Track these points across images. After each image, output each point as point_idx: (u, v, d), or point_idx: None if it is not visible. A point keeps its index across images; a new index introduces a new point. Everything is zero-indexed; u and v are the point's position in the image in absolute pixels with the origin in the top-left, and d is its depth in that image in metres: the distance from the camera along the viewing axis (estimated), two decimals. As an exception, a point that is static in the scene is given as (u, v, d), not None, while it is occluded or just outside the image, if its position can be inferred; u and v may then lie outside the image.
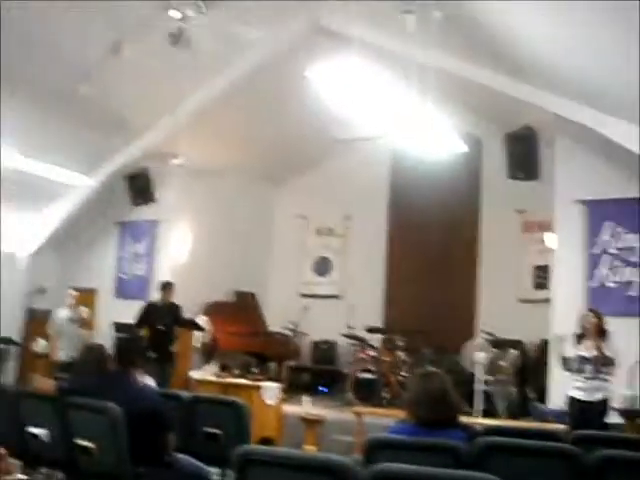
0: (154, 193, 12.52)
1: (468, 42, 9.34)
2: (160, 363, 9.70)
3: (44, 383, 5.18)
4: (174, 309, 10.66)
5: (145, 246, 13.66)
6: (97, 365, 5.20)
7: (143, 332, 10.17)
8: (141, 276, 13.60)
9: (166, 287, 10.73)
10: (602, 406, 7.46)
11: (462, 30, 9.09)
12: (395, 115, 8.50)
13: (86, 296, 13.76)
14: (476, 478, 3.02)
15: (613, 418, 7.50)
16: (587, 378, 7.57)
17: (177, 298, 10.94)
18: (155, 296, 11.21)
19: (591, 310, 8.01)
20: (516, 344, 11.71)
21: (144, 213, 13.12)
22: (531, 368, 11.40)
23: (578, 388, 7.62)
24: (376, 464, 3.30)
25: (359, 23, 8.29)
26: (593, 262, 9.90)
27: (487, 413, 10.02)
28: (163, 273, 13.26)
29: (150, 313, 10.48)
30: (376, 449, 3.96)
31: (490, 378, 10.89)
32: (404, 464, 3.21)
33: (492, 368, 11.12)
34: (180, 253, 13.56)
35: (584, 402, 7.52)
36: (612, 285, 9.75)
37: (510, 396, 11.02)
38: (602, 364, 7.47)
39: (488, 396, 10.59)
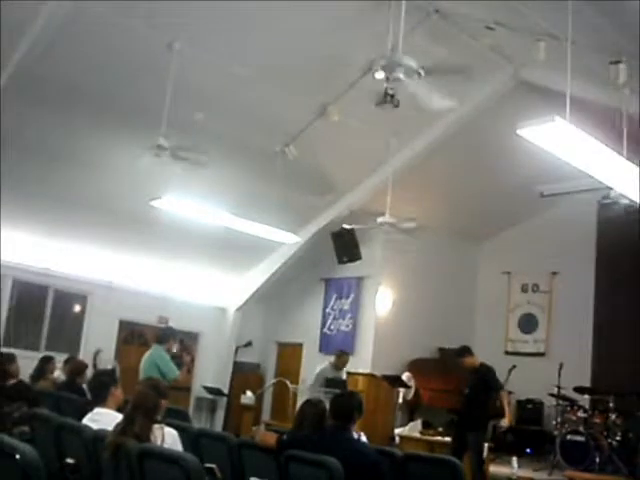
0: (359, 250, 12.71)
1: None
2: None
3: (265, 436, 5.35)
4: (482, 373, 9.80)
5: (350, 302, 13.91)
6: (317, 420, 5.36)
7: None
8: (346, 331, 13.83)
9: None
10: None
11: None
12: (604, 168, 8.28)
13: (292, 350, 14.20)
14: None
15: None
16: None
17: (380, 354, 11.02)
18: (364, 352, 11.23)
19: None
20: None
21: (349, 270, 13.38)
22: None
23: None
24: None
25: (566, 77, 8.20)
26: None
27: None
28: (367, 329, 13.45)
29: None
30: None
31: None
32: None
33: None
34: (384, 309, 13.69)
35: None
36: None
37: None
38: None
39: None
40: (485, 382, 9.54)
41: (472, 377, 9.69)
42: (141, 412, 4.65)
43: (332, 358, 11.14)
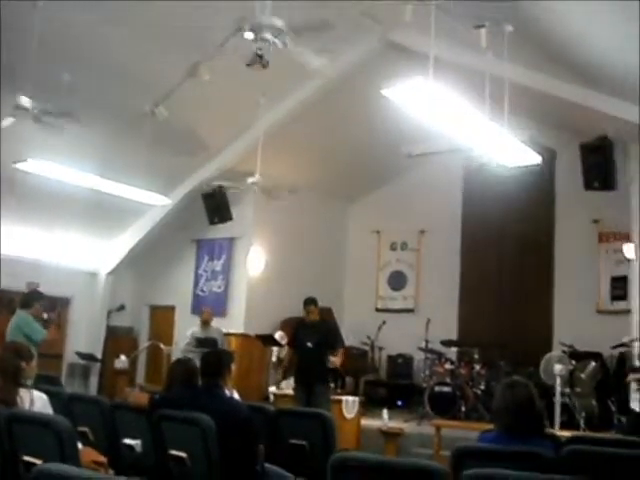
0: (230, 211, 12.71)
1: (541, 54, 9.35)
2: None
3: (137, 396, 5.36)
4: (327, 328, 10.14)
5: (222, 263, 13.90)
6: (187, 378, 5.39)
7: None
8: (218, 292, 13.85)
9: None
10: None
11: (534, 43, 9.10)
12: (468, 128, 8.53)
13: (165, 313, 14.11)
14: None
15: None
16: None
17: (253, 314, 11.12)
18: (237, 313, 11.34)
19: None
20: (595, 356, 11.56)
21: (221, 231, 13.35)
22: (611, 380, 11.24)
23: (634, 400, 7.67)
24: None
25: (432, 39, 8.38)
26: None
27: (567, 426, 9.93)
28: (240, 290, 13.50)
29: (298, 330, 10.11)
30: (464, 458, 4.00)
31: (569, 391, 10.81)
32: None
33: (571, 381, 11.03)
34: (256, 270, 13.75)
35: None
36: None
37: (590, 409, 10.90)
38: None
39: (567, 409, 10.50)
40: (327, 337, 9.74)
41: (314, 330, 9.80)
42: (3, 376, 4.56)
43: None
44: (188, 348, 10.85)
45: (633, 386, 7.80)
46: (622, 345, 8.35)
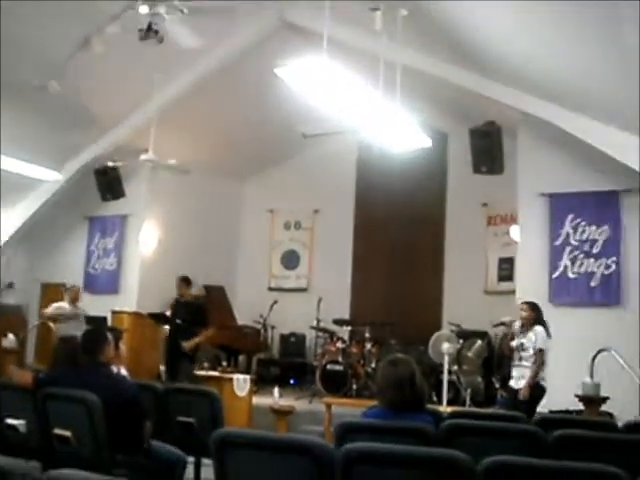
0: (123, 188, 12.52)
1: (434, 39, 9.52)
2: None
3: (21, 375, 5.26)
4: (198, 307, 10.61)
5: (114, 241, 13.70)
6: (70, 356, 5.33)
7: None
8: (110, 270, 13.66)
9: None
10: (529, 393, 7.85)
11: (428, 27, 9.26)
12: (362, 110, 8.63)
13: (56, 291, 13.81)
14: (441, 454, 3.19)
15: (576, 404, 7.76)
16: (517, 366, 8.00)
17: (146, 292, 11.03)
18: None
19: (525, 302, 8.35)
20: (482, 335, 11.93)
21: (114, 208, 13.14)
22: (496, 358, 11.61)
23: (512, 376, 8.09)
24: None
25: (327, 20, 8.42)
26: (555, 254, 10.14)
27: (454, 402, 10.24)
28: (132, 268, 13.35)
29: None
30: (347, 433, 4.09)
31: (456, 368, 11.13)
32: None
33: (458, 359, 11.36)
34: (150, 248, 13.61)
35: (514, 390, 7.96)
36: (574, 276, 10.00)
37: (476, 385, 11.26)
38: (529, 353, 7.93)
39: (455, 386, 10.82)
40: (194, 316, 10.16)
41: (185, 309, 10.29)
42: None
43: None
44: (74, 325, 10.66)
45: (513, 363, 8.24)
46: (502, 324, 8.70)
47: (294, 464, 3.25)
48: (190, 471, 5.63)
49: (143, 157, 10.58)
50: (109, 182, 12.44)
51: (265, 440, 3.39)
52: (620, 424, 5.28)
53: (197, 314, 10.24)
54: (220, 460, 3.41)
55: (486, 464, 3.04)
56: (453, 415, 4.83)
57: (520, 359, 8.02)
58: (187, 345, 9.91)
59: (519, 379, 7.96)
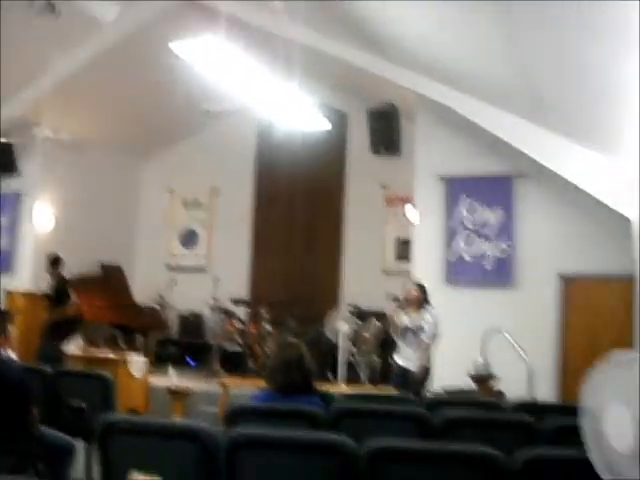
0: (17, 164, 12.15)
1: (332, 19, 9.49)
2: None
3: None
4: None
5: (8, 219, 13.27)
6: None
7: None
8: (4, 250, 13.25)
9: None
10: (421, 374, 8.21)
11: (326, 8, 9.23)
12: (261, 89, 8.59)
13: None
14: (324, 438, 3.21)
15: (468, 383, 7.94)
16: (406, 346, 8.24)
17: (40, 271, 10.80)
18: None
19: (416, 283, 8.55)
20: (379, 315, 12.07)
21: (7, 185, 12.73)
22: (392, 338, 11.78)
23: (400, 355, 8.31)
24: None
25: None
26: (451, 236, 10.31)
27: (351, 382, 10.34)
28: (27, 247, 13.00)
29: None
30: (237, 417, 4.09)
31: (354, 348, 11.25)
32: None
33: (355, 338, 11.48)
34: (44, 226, 13.26)
35: (405, 369, 8.20)
36: (468, 258, 10.19)
37: (373, 365, 11.41)
38: (418, 334, 8.27)
39: (352, 365, 10.94)
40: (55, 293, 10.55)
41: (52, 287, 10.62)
42: None
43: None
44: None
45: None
46: (397, 300, 8.94)
47: (179, 450, 3.22)
48: (81, 458, 5.53)
49: (37, 132, 10.30)
50: (2, 158, 12.03)
51: (150, 426, 3.35)
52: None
53: (58, 291, 10.56)
54: (104, 447, 3.36)
55: (369, 448, 3.07)
56: (345, 397, 4.87)
57: (414, 337, 8.23)
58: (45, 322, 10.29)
59: (409, 359, 8.18)
